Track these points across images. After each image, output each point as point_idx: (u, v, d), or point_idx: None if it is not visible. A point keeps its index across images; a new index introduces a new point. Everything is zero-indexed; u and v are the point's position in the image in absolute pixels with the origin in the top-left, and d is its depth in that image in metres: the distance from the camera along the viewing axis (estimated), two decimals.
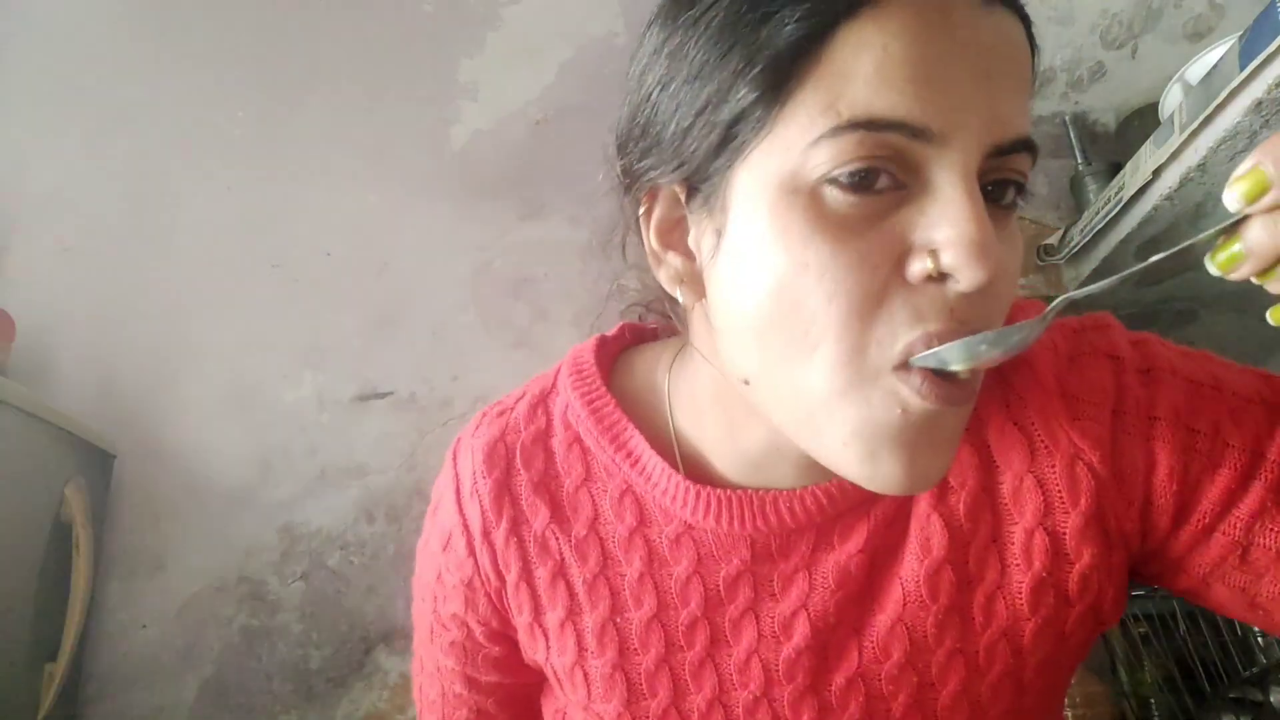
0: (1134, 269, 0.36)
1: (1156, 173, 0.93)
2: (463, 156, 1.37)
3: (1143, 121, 1.26)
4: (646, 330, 0.57)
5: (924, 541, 0.44)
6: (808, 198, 0.35)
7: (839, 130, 0.34)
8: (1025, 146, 0.37)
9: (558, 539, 0.48)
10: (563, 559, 0.48)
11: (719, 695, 0.46)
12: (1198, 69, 0.99)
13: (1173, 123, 0.90)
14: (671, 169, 0.40)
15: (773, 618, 0.46)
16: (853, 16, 0.34)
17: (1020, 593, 0.44)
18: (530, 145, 1.37)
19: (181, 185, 1.31)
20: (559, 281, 1.32)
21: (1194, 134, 0.86)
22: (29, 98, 1.31)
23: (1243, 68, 0.77)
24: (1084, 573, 0.44)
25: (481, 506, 0.49)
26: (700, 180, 0.40)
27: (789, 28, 0.34)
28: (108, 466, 1.14)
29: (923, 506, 0.45)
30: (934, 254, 0.35)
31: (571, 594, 0.48)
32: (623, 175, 0.46)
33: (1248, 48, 0.77)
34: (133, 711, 1.09)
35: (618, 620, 0.47)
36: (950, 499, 0.45)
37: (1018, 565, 0.44)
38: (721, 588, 0.46)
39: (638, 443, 0.48)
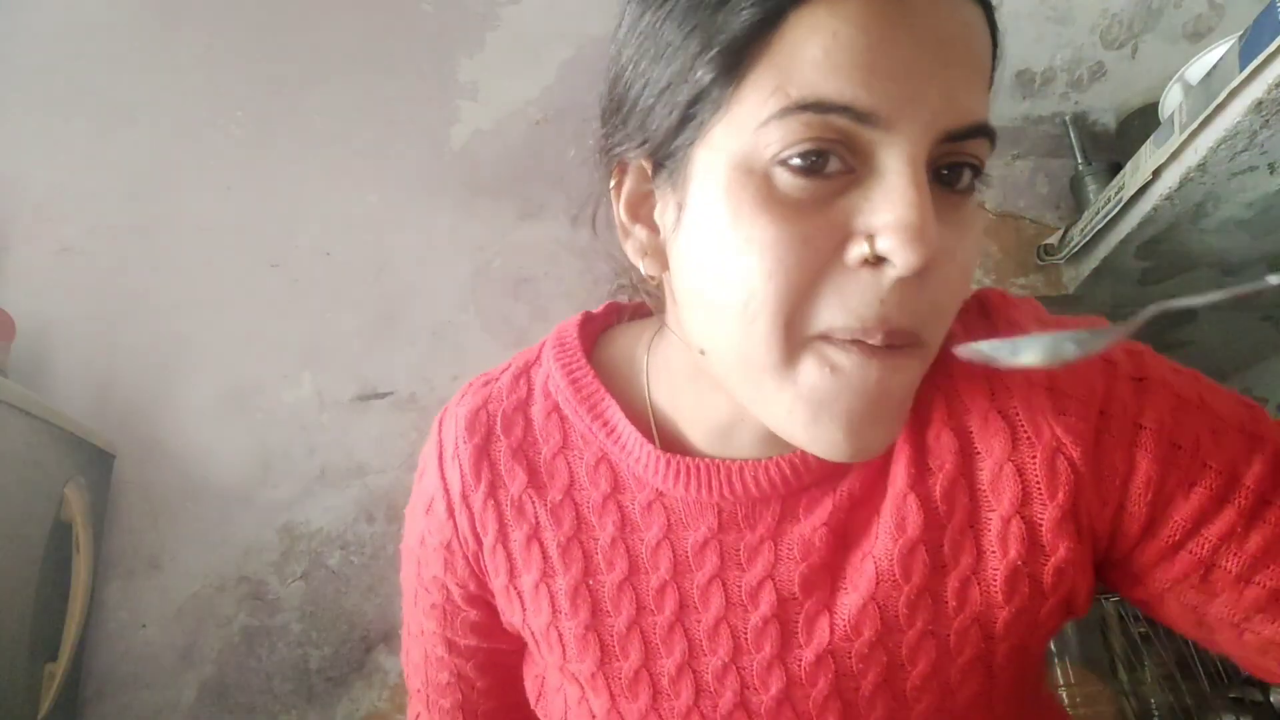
0: (1245, 287, 0.33)
1: (1156, 173, 0.93)
2: (463, 156, 1.37)
3: (1143, 121, 1.26)
4: (632, 309, 0.58)
5: (899, 521, 0.45)
6: (760, 178, 0.37)
7: (787, 111, 0.35)
8: (981, 132, 0.38)
9: (534, 503, 0.49)
10: (538, 522, 0.49)
11: (689, 660, 0.47)
12: (1198, 69, 0.99)
13: (1173, 123, 0.90)
14: (638, 144, 0.42)
15: (740, 586, 0.47)
16: (805, 2, 0.35)
17: (995, 580, 0.44)
18: (530, 145, 1.37)
19: (181, 185, 1.31)
20: (559, 281, 1.32)
21: (1194, 134, 0.86)
22: (29, 98, 1.31)
23: (1243, 68, 0.77)
24: (1059, 566, 0.44)
25: (461, 470, 0.51)
26: (665, 156, 0.41)
27: (744, 12, 0.36)
28: (108, 466, 1.14)
29: (900, 486, 0.45)
30: (871, 239, 0.36)
31: (545, 557, 0.49)
32: (598, 149, 0.47)
33: (1248, 48, 0.77)
34: (133, 711, 1.09)
35: (590, 583, 0.48)
36: (928, 480, 0.45)
37: (994, 552, 0.44)
38: (690, 554, 0.47)
39: (614, 413, 0.49)
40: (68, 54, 1.32)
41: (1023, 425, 0.44)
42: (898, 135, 0.35)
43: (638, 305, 0.58)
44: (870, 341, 0.37)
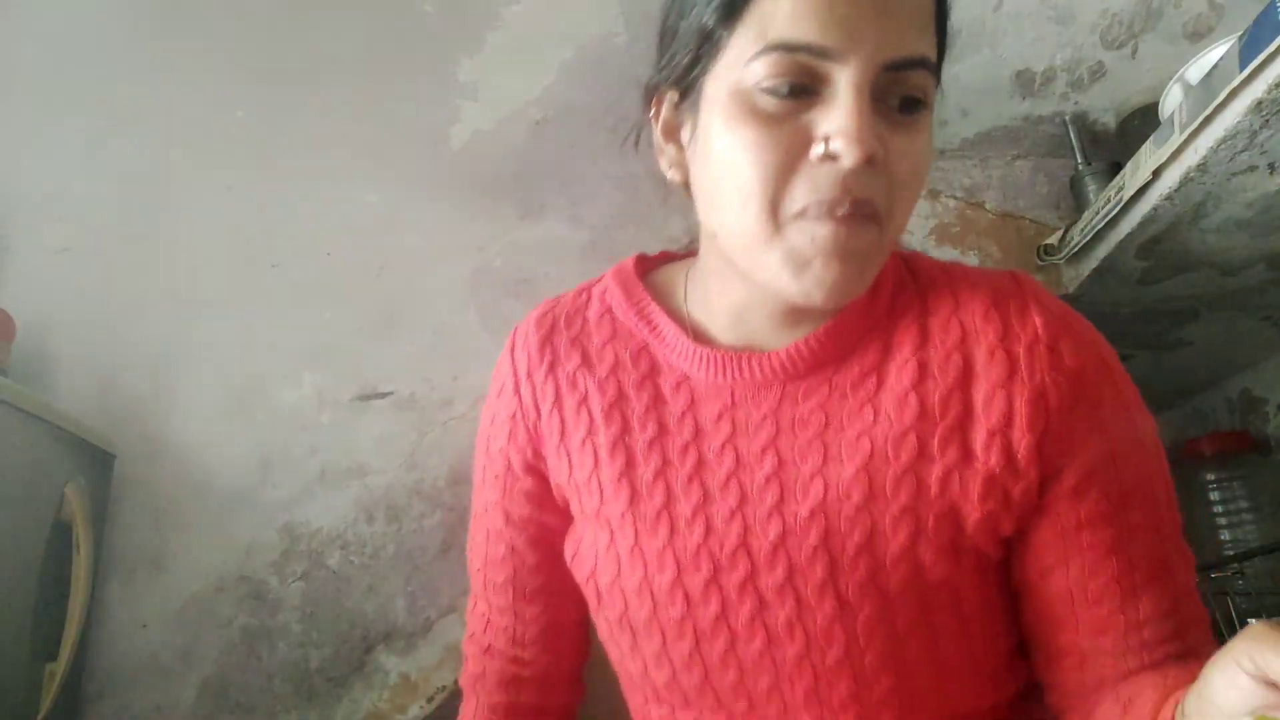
0: None
1: (1156, 173, 0.93)
2: (463, 156, 1.37)
3: (1143, 121, 1.25)
4: (681, 255, 0.70)
5: (898, 410, 0.55)
6: (748, 100, 0.50)
7: (766, 50, 0.48)
8: (919, 65, 0.50)
9: (585, 378, 0.62)
10: (587, 392, 0.62)
11: (702, 505, 0.57)
12: (1198, 69, 0.99)
13: (1173, 123, 0.90)
14: (668, 79, 0.57)
15: (748, 451, 0.57)
16: None
17: (974, 481, 0.53)
18: (530, 145, 1.37)
19: (181, 185, 1.31)
20: (559, 281, 1.31)
21: (1194, 134, 0.86)
22: (29, 98, 1.31)
23: (1243, 68, 0.77)
24: (1027, 487, 0.53)
25: (529, 354, 0.65)
26: (686, 87, 0.55)
27: None
28: (108, 466, 1.14)
29: (904, 384, 0.55)
30: (826, 140, 0.48)
31: (591, 418, 0.61)
32: (645, 87, 0.61)
33: (1248, 48, 0.77)
34: (133, 711, 1.09)
35: (626, 439, 0.60)
36: (929, 384, 0.55)
37: (978, 458, 0.53)
38: (708, 424, 0.58)
39: (657, 314, 0.63)
40: (67, 54, 1.32)
41: (1021, 365, 0.54)
42: (846, 66, 0.47)
43: (687, 251, 0.70)
44: (839, 212, 0.48)
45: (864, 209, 0.49)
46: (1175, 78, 1.04)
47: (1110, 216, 1.04)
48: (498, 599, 0.69)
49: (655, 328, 0.62)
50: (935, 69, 0.52)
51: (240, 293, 1.28)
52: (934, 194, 1.43)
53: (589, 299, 0.67)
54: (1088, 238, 1.10)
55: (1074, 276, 1.20)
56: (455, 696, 1.16)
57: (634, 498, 0.58)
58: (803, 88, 0.49)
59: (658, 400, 0.60)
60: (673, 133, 0.59)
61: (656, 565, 0.56)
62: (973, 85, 1.33)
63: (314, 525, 1.19)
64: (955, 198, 1.42)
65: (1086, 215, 1.14)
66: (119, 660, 1.11)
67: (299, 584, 1.17)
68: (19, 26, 1.32)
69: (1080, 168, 1.33)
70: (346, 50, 1.36)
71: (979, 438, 0.53)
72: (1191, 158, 0.87)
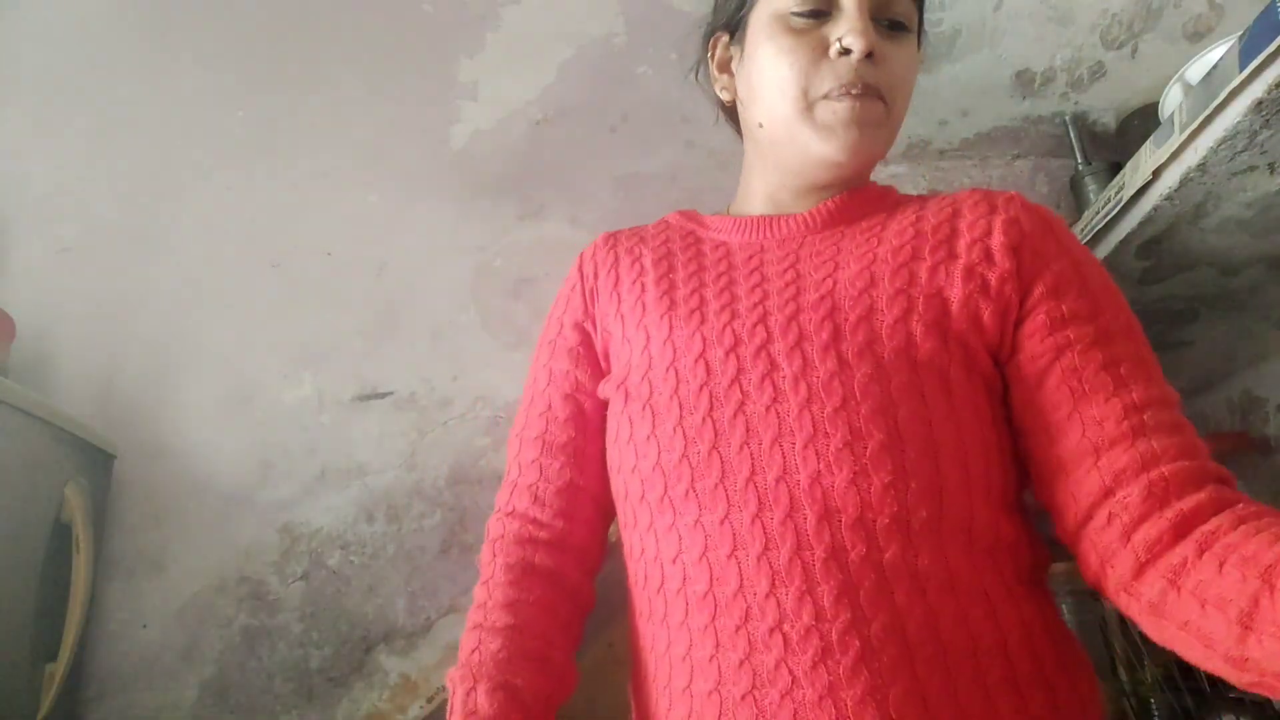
0: None
1: (1156, 173, 0.93)
2: (463, 156, 1.37)
3: (1143, 121, 1.26)
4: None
5: (898, 237, 0.68)
6: (782, 21, 0.68)
7: None
8: None
9: (641, 249, 0.76)
10: (641, 254, 0.76)
11: (730, 302, 0.68)
12: (1198, 69, 0.99)
13: (1173, 123, 0.90)
14: (721, 23, 0.77)
15: (772, 271, 0.69)
16: None
17: (956, 271, 0.64)
18: (530, 145, 1.37)
19: (181, 185, 1.31)
20: (559, 281, 1.31)
21: (1194, 134, 0.86)
22: (29, 98, 1.31)
23: (1243, 68, 0.77)
24: (1002, 275, 0.63)
25: (594, 249, 0.79)
26: (735, 27, 0.74)
27: None
28: (108, 466, 1.14)
29: (903, 224, 0.69)
30: (840, 40, 0.66)
31: (643, 267, 0.74)
32: (703, 35, 0.79)
33: (1248, 48, 0.77)
34: (133, 711, 1.09)
35: (670, 274, 0.73)
36: (923, 222, 0.68)
37: (960, 257, 0.65)
38: (741, 265, 0.71)
39: (705, 218, 0.79)
40: (68, 54, 1.32)
41: (999, 205, 0.68)
42: None
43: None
44: (854, 91, 0.65)
45: (871, 91, 0.66)
46: (1175, 78, 1.04)
47: (1110, 216, 1.04)
48: (526, 454, 0.75)
49: (703, 223, 0.78)
50: (917, 2, 0.71)
51: (240, 293, 1.28)
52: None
53: (648, 227, 0.81)
54: (1088, 238, 1.10)
55: None
56: None
57: (672, 304, 0.70)
58: (820, 10, 0.67)
59: (699, 255, 0.74)
60: (725, 65, 0.77)
61: (685, 347, 0.66)
62: (973, 85, 1.33)
63: (314, 525, 1.19)
64: None
65: (1086, 215, 1.14)
66: (119, 660, 1.11)
67: (299, 584, 1.17)
68: (19, 26, 1.32)
69: (1080, 168, 1.33)
70: (346, 50, 1.36)
71: (962, 244, 0.66)
72: (1191, 158, 0.87)
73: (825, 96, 0.66)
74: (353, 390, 1.26)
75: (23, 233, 1.26)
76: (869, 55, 0.65)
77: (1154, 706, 1.14)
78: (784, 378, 0.61)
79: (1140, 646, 1.14)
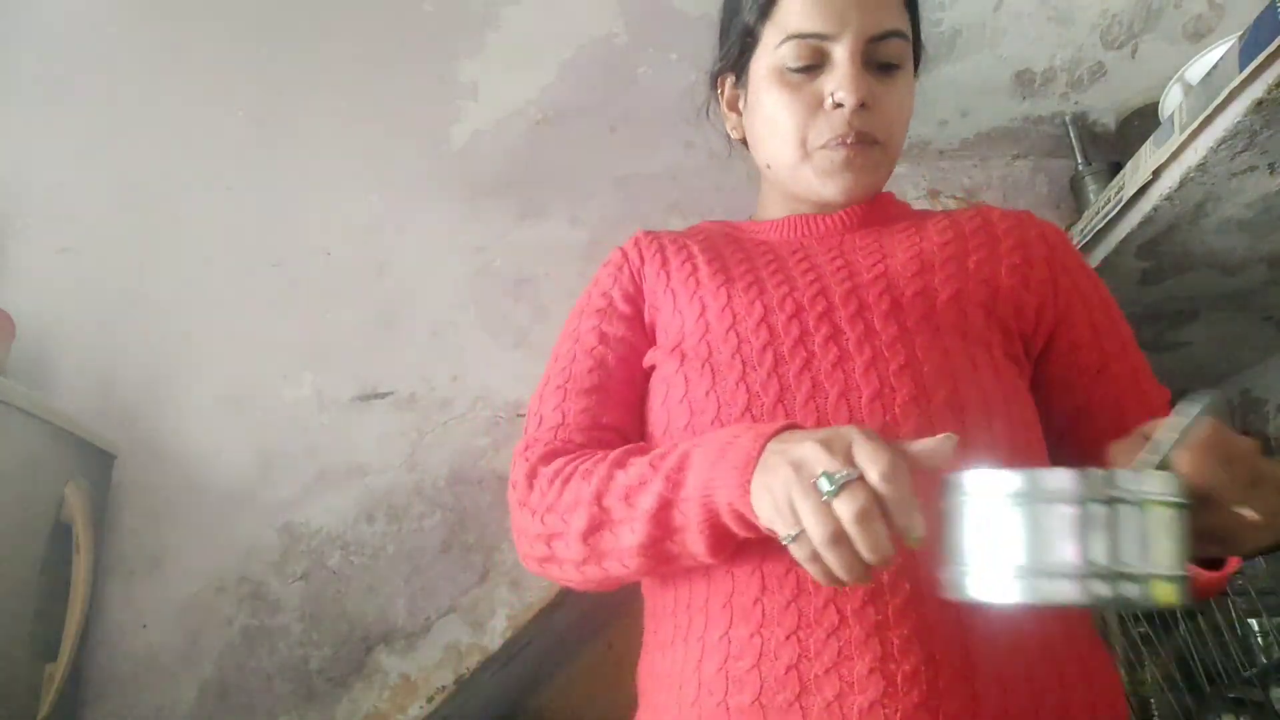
0: None
1: (1156, 173, 0.93)
2: (463, 156, 1.37)
3: (1143, 121, 1.26)
4: None
5: (940, 234, 0.73)
6: (779, 74, 0.72)
7: (787, 39, 0.70)
8: (894, 35, 0.70)
9: (685, 243, 0.79)
10: (688, 247, 0.78)
11: (785, 281, 0.71)
12: (1198, 69, 0.99)
13: (1173, 123, 0.90)
14: (727, 66, 0.79)
15: (824, 265, 0.72)
16: None
17: (1001, 264, 0.70)
18: (530, 145, 1.37)
19: (181, 185, 1.31)
20: (559, 281, 1.32)
21: (1194, 134, 0.86)
22: (29, 98, 1.31)
23: (1243, 68, 0.77)
24: (1040, 279, 0.70)
25: (637, 239, 0.81)
26: (739, 70, 0.78)
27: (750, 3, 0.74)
28: (108, 466, 1.14)
29: (940, 224, 0.74)
30: (833, 94, 0.69)
31: (692, 255, 0.77)
32: (710, 75, 0.83)
33: (1248, 48, 0.77)
34: (133, 711, 1.09)
35: (724, 259, 0.75)
36: (959, 225, 0.74)
37: (1003, 258, 0.71)
38: (789, 258, 0.74)
39: (740, 224, 0.84)
40: (68, 54, 1.32)
41: (1026, 221, 0.75)
42: (840, 44, 0.69)
43: None
44: (848, 140, 0.70)
45: (865, 138, 0.70)
46: (1175, 78, 1.04)
47: (1110, 217, 1.04)
48: (577, 403, 0.72)
49: (738, 228, 0.83)
50: (908, 38, 0.72)
51: (240, 293, 1.28)
52: (934, 193, 1.43)
53: (683, 230, 0.85)
54: (1088, 238, 1.10)
55: None
56: (455, 696, 1.16)
57: (729, 279, 0.72)
58: (814, 63, 0.70)
59: (745, 248, 0.77)
60: (733, 104, 0.81)
61: (745, 312, 0.69)
62: (973, 85, 1.33)
63: (314, 525, 1.19)
64: (955, 197, 1.42)
65: (1086, 215, 1.14)
66: (119, 660, 1.11)
67: (299, 584, 1.17)
68: (20, 26, 1.32)
69: (1080, 168, 1.33)
70: (346, 50, 1.36)
71: (1003, 247, 0.72)
72: (1191, 158, 0.87)
73: (823, 146, 0.70)
74: (353, 390, 1.26)
75: (23, 233, 1.26)
76: (862, 105, 0.68)
77: (1154, 706, 1.14)
78: (848, 340, 0.65)
79: (1140, 646, 1.14)
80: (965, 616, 0.55)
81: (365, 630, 1.16)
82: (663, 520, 0.58)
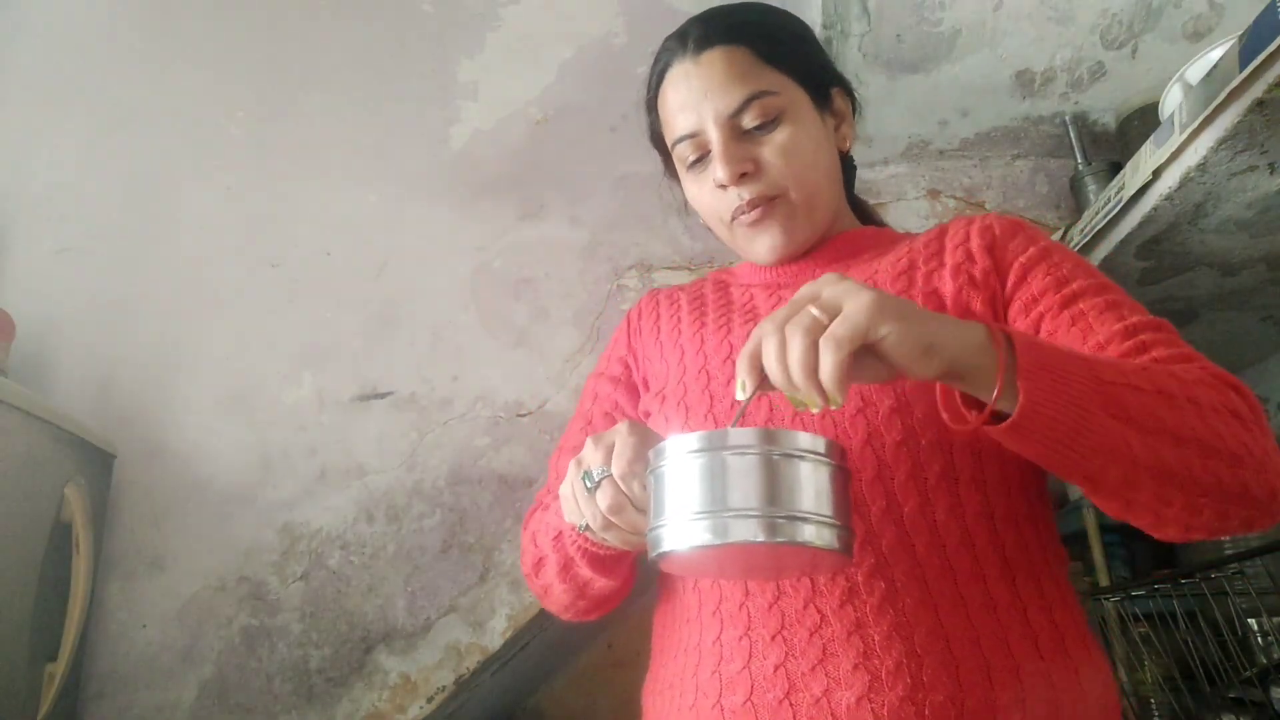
0: None
1: (1156, 173, 0.93)
2: (463, 156, 1.37)
3: (1143, 121, 1.26)
4: None
5: (894, 260, 0.75)
6: (685, 170, 0.78)
7: (675, 142, 0.77)
8: (753, 99, 0.73)
9: (678, 297, 0.85)
10: (678, 302, 0.84)
11: (754, 322, 0.75)
12: (1198, 69, 0.99)
13: (1173, 123, 0.90)
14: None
15: (790, 297, 0.72)
16: (663, 101, 0.78)
17: (944, 272, 0.72)
18: (530, 145, 1.37)
19: (181, 185, 1.31)
20: (559, 281, 1.32)
21: (1194, 134, 0.86)
22: (29, 98, 1.32)
23: (1243, 68, 0.77)
24: (984, 269, 0.71)
25: (641, 302, 0.88)
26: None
27: (653, 113, 0.81)
28: (108, 466, 1.14)
29: (899, 253, 0.75)
30: (715, 180, 0.74)
31: (679, 308, 0.83)
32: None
33: (1248, 48, 0.77)
34: (133, 711, 1.10)
35: (704, 308, 0.81)
36: (914, 252, 0.75)
37: (947, 263, 0.73)
38: (765, 302, 0.79)
39: (735, 269, 0.87)
40: (68, 54, 1.33)
41: (975, 220, 0.75)
42: (707, 133, 0.74)
43: None
44: (748, 209, 0.74)
45: (760, 201, 0.74)
46: (1175, 78, 1.04)
47: (1110, 216, 1.04)
48: (568, 461, 0.79)
49: (732, 274, 0.87)
50: (777, 91, 0.74)
51: (240, 293, 1.28)
52: (934, 193, 1.43)
53: (688, 284, 0.91)
54: (1088, 238, 1.10)
55: None
56: (455, 696, 1.16)
57: (703, 325, 0.79)
58: (703, 153, 0.75)
59: (728, 294, 0.83)
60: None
61: (715, 350, 0.75)
62: (973, 85, 1.33)
63: (314, 525, 1.19)
64: (955, 197, 1.42)
65: (1086, 215, 1.14)
66: (119, 660, 1.11)
67: (299, 584, 1.17)
68: (19, 26, 1.32)
69: (1080, 168, 1.33)
70: (346, 50, 1.36)
71: (947, 252, 0.74)
72: (1191, 158, 0.87)
73: (734, 220, 0.75)
74: (353, 390, 1.26)
75: (23, 233, 1.26)
76: (742, 176, 0.72)
77: (1154, 706, 1.14)
78: None
79: (1140, 646, 1.14)
80: (946, 612, 0.58)
81: (365, 630, 1.16)
82: (559, 546, 0.67)
